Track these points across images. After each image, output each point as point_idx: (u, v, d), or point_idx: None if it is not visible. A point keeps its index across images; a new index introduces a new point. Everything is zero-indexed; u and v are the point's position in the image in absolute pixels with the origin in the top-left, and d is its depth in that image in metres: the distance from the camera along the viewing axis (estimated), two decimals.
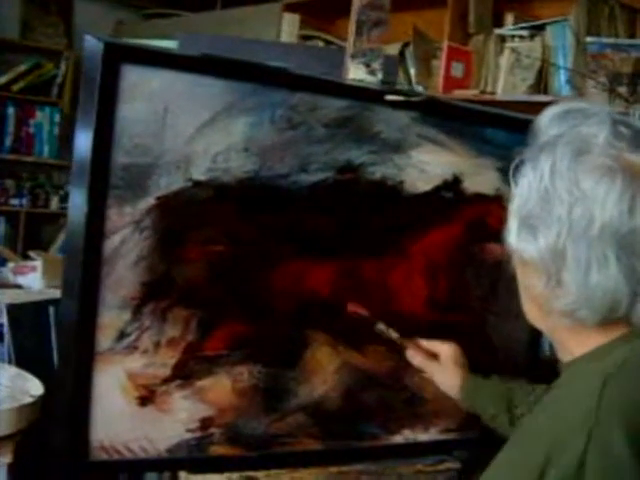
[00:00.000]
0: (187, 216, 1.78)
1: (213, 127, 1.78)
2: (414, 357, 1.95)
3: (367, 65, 1.97)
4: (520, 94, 3.24)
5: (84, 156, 1.69)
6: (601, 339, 1.19)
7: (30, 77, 5.73)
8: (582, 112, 1.21)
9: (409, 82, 3.75)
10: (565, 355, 1.26)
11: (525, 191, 1.21)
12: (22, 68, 5.69)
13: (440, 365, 1.92)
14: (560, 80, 3.16)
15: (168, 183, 1.75)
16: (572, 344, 1.23)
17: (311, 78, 1.89)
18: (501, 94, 3.30)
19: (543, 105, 3.01)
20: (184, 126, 1.76)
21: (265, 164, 1.84)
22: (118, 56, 1.68)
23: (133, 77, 1.69)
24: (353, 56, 1.96)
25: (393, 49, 3.78)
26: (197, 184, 1.78)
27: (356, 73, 1.96)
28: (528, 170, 1.22)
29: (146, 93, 1.71)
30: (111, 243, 1.71)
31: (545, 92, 3.21)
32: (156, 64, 1.72)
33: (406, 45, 3.88)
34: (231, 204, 1.82)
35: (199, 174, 1.78)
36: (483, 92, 3.40)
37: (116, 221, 1.71)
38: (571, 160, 1.15)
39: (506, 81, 3.34)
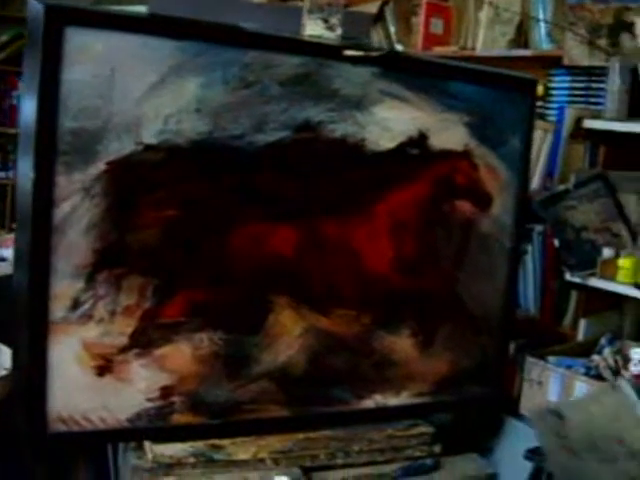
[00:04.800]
0: (139, 181, 1.74)
1: (163, 88, 1.73)
2: None
3: (325, 20, 1.90)
4: (500, 49, 3.16)
5: (29, 122, 1.65)
6: None
7: (11, 48, 5.64)
8: None
9: (389, 40, 3.68)
10: None
11: None
12: (3, 39, 5.61)
13: None
14: (540, 33, 3.07)
15: (118, 147, 1.70)
16: None
17: (264, 35, 1.83)
18: (481, 49, 3.23)
19: (524, 59, 3.00)
20: (133, 88, 1.71)
21: (218, 125, 1.79)
22: (60, 19, 1.62)
23: (77, 40, 1.64)
24: (310, 11, 1.90)
25: (372, 7, 3.70)
26: (148, 147, 1.73)
27: (313, 29, 1.90)
28: None
29: (92, 55, 1.66)
30: (61, 211, 1.67)
31: (525, 46, 3.13)
32: (101, 26, 1.67)
33: (386, 3, 3.80)
34: (185, 167, 1.77)
35: (150, 137, 1.73)
36: (463, 48, 3.33)
37: (65, 188, 1.67)
38: None
39: (486, 36, 3.26)
